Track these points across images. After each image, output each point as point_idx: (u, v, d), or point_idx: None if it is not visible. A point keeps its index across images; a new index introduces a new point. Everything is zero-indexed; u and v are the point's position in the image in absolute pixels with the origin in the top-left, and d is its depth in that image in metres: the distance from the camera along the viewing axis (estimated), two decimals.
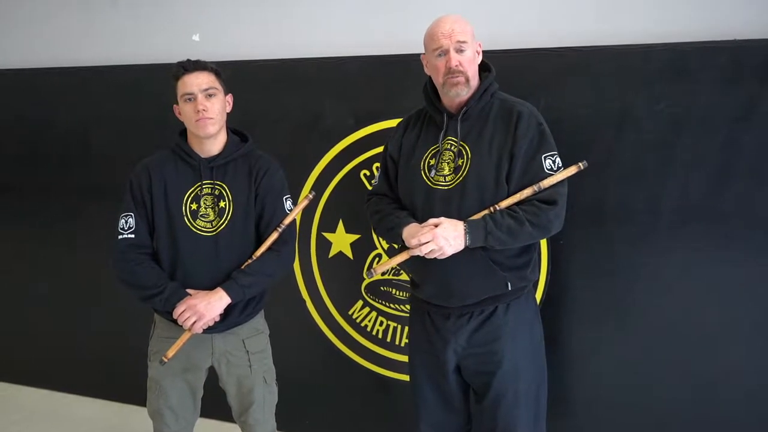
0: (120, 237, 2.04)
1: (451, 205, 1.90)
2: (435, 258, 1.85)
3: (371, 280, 2.63)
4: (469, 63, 1.90)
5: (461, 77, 1.88)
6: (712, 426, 2.24)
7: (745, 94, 2.07)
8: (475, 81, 1.93)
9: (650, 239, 2.22)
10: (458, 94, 1.91)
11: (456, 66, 1.87)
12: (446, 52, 1.88)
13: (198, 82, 2.00)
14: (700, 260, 2.18)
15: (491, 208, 1.85)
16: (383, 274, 2.60)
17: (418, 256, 1.87)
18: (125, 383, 2.99)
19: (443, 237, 1.81)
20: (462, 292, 1.94)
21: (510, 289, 1.93)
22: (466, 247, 1.84)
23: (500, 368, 1.95)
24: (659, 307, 2.25)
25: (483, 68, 1.98)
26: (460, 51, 1.88)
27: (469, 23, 1.93)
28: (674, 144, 2.16)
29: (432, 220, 1.86)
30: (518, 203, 1.86)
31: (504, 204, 1.86)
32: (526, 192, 1.85)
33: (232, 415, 2.22)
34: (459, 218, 1.86)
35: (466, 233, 1.83)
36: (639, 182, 2.22)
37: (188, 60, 2.03)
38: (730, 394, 2.20)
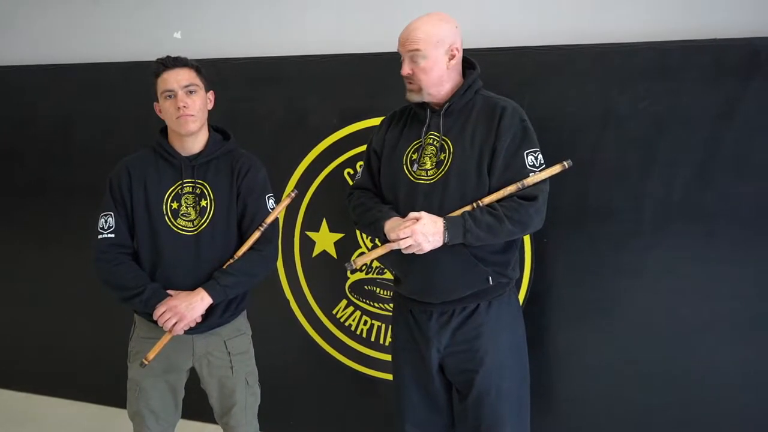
0: (100, 237, 2.02)
1: (432, 200, 1.90)
2: (415, 253, 1.85)
3: (355, 279, 2.62)
4: (423, 72, 1.89)
5: (413, 85, 1.92)
6: (696, 423, 2.26)
7: (726, 92, 2.09)
8: (439, 87, 1.92)
9: (633, 237, 2.24)
10: (413, 99, 1.95)
11: (405, 74, 1.91)
12: (402, 59, 1.91)
13: (178, 78, 1.98)
14: (683, 258, 2.20)
15: (473, 205, 1.85)
16: (367, 273, 2.60)
17: (400, 251, 1.86)
18: (105, 385, 2.97)
19: (422, 233, 1.81)
20: (444, 288, 1.94)
21: (491, 284, 1.93)
22: (445, 244, 1.84)
23: (482, 366, 1.95)
24: (643, 305, 2.26)
25: (468, 65, 1.98)
26: (413, 60, 1.89)
27: (436, 28, 1.88)
28: (657, 142, 2.18)
29: (413, 214, 1.86)
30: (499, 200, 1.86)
31: (487, 200, 1.85)
32: (510, 189, 1.85)
33: (214, 417, 2.20)
34: (440, 212, 1.86)
35: (445, 230, 1.83)
36: (622, 180, 2.23)
37: (168, 57, 2.01)
38: (714, 392, 2.22)
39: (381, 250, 1.92)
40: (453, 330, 1.97)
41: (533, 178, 1.84)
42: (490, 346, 1.95)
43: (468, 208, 1.85)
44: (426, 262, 1.90)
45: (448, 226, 1.83)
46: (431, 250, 1.85)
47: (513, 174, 1.86)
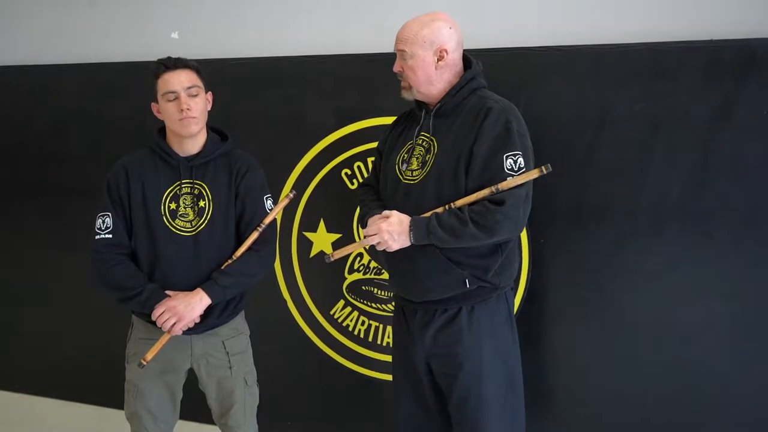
0: (97, 237, 2.01)
1: (410, 199, 1.92)
2: (397, 251, 1.88)
3: (352, 279, 2.62)
4: (411, 70, 1.91)
5: (405, 83, 1.95)
6: (694, 423, 2.26)
7: (722, 93, 2.09)
8: (429, 87, 1.92)
9: (630, 238, 2.24)
10: (405, 97, 1.97)
11: (396, 71, 1.95)
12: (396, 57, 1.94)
13: (180, 80, 1.97)
14: (679, 258, 2.20)
15: (445, 207, 1.85)
16: (365, 273, 2.60)
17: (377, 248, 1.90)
18: (101, 386, 2.95)
19: (387, 232, 1.84)
20: (420, 287, 1.94)
21: (468, 287, 1.91)
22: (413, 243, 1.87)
23: (461, 371, 1.94)
24: (640, 305, 2.26)
25: (466, 65, 1.97)
26: (402, 58, 1.92)
27: (426, 29, 1.88)
28: (653, 143, 2.18)
29: (384, 213, 1.89)
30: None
31: (460, 203, 1.84)
32: (483, 193, 1.82)
33: (212, 418, 2.19)
34: (416, 212, 1.87)
35: (410, 230, 1.84)
36: (618, 181, 2.23)
37: (169, 57, 2.00)
38: (713, 392, 2.22)
39: (356, 245, 2.01)
40: (435, 331, 1.96)
41: (508, 182, 1.80)
42: (470, 352, 1.94)
43: (440, 209, 1.86)
44: (403, 260, 1.92)
45: (413, 227, 1.84)
46: (408, 250, 1.87)
47: (490, 177, 1.83)
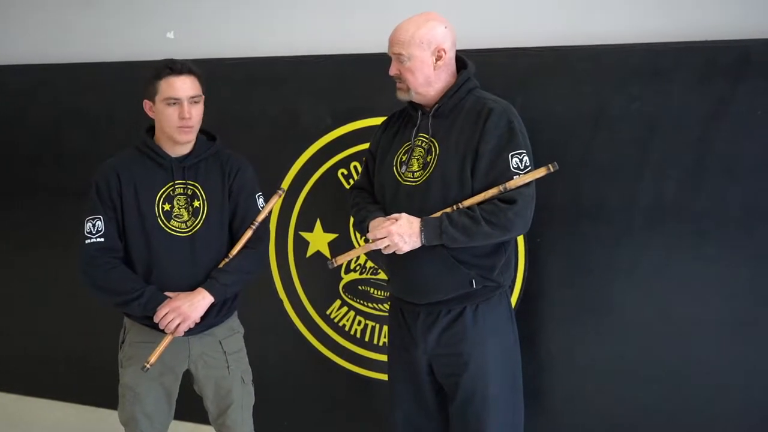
0: (88, 242, 1.97)
1: (414, 201, 1.90)
2: (399, 253, 1.86)
3: (349, 279, 2.62)
4: (409, 72, 1.89)
5: (402, 84, 1.93)
6: (688, 422, 2.27)
7: (717, 93, 2.09)
8: (427, 88, 1.92)
9: (625, 237, 2.24)
10: (401, 98, 1.96)
11: (393, 74, 1.93)
12: (391, 60, 1.93)
13: (185, 87, 1.94)
14: (675, 258, 2.20)
15: (453, 207, 1.85)
16: (361, 273, 2.59)
17: (381, 251, 1.89)
18: (97, 386, 2.95)
19: (398, 234, 1.83)
20: (425, 289, 1.94)
21: (474, 287, 1.91)
22: (423, 245, 1.85)
23: (466, 371, 1.94)
24: (635, 305, 2.26)
25: (461, 65, 1.97)
26: (399, 60, 1.91)
27: (422, 29, 1.88)
28: (649, 143, 2.18)
29: (392, 215, 1.87)
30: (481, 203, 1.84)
31: (467, 203, 1.84)
32: (492, 192, 1.82)
33: (207, 418, 2.19)
34: (421, 214, 1.86)
35: (421, 231, 1.83)
36: (614, 181, 2.23)
37: (176, 61, 1.96)
38: (708, 391, 2.22)
39: (361, 250, 1.99)
40: (439, 332, 1.96)
41: (516, 181, 1.81)
42: (475, 351, 1.94)
43: (448, 209, 1.85)
44: (409, 262, 1.91)
45: (424, 227, 1.83)
46: (414, 251, 1.86)
47: (497, 176, 1.83)
